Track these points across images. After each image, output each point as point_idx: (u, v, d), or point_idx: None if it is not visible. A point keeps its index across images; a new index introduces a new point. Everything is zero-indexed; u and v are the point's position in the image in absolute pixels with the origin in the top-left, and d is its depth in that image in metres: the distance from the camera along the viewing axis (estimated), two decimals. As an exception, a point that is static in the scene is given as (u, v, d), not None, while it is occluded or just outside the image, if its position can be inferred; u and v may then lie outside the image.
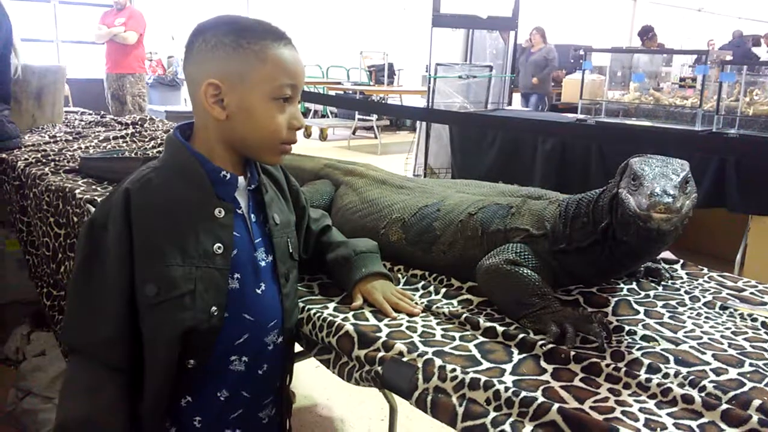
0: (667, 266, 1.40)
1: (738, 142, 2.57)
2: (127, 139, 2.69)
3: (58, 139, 2.67)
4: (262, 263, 1.06)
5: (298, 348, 1.21)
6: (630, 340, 1.06)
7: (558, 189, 1.37)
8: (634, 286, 1.30)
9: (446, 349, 1.02)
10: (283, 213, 1.12)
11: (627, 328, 1.10)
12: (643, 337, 1.07)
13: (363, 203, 1.49)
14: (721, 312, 1.18)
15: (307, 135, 9.64)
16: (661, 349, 1.03)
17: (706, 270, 1.42)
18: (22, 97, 2.84)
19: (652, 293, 1.27)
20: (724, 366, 0.97)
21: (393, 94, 9.33)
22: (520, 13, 6.00)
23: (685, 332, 1.10)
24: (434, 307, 1.17)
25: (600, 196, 1.16)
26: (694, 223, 1.10)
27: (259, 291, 1.05)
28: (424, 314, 1.15)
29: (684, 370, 0.95)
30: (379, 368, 0.97)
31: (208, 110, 0.97)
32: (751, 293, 1.28)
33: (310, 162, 1.76)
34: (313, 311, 1.14)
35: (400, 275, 1.32)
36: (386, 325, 1.10)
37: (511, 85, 6.35)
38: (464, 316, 1.12)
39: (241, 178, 1.04)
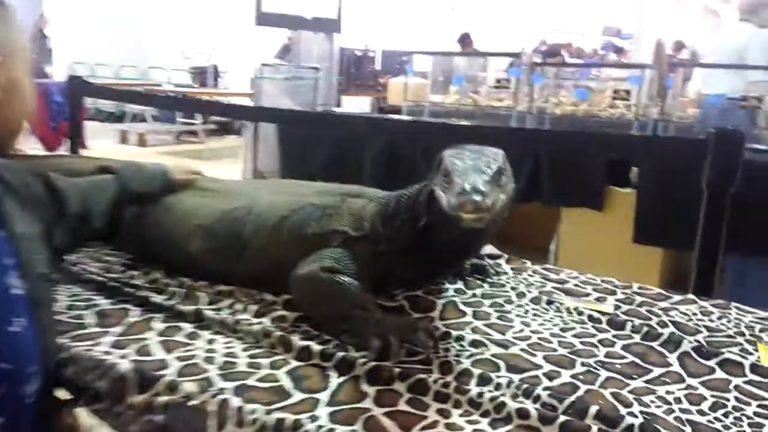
0: (491, 262, 1.34)
1: (552, 135, 2.68)
2: None
3: None
4: (15, 291, 0.81)
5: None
6: (458, 347, 0.96)
7: (389, 189, 1.25)
8: (460, 285, 1.21)
9: (250, 381, 0.84)
10: (28, 223, 0.88)
11: (455, 333, 1.00)
12: (473, 343, 0.97)
13: (159, 210, 1.26)
14: (547, 307, 1.13)
15: (124, 141, 8.89)
16: (491, 355, 0.93)
17: (529, 263, 1.38)
18: None
19: (479, 292, 1.19)
20: (557, 368, 0.90)
21: (218, 96, 8.89)
22: (347, 17, 5.98)
23: (514, 333, 1.02)
24: (242, 328, 0.99)
25: (419, 193, 1.05)
26: (513, 217, 1.03)
27: (12, 328, 0.80)
28: (227, 340, 0.96)
29: (516, 378, 0.86)
30: (159, 417, 0.77)
31: None
32: (575, 285, 1.26)
33: (81, 164, 1.48)
34: (81, 348, 0.90)
35: (202, 293, 1.12)
36: (178, 358, 0.89)
37: (340, 87, 6.30)
38: (276, 335, 0.95)
39: None
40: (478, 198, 0.84)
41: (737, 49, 4.17)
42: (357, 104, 8.57)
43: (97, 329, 0.98)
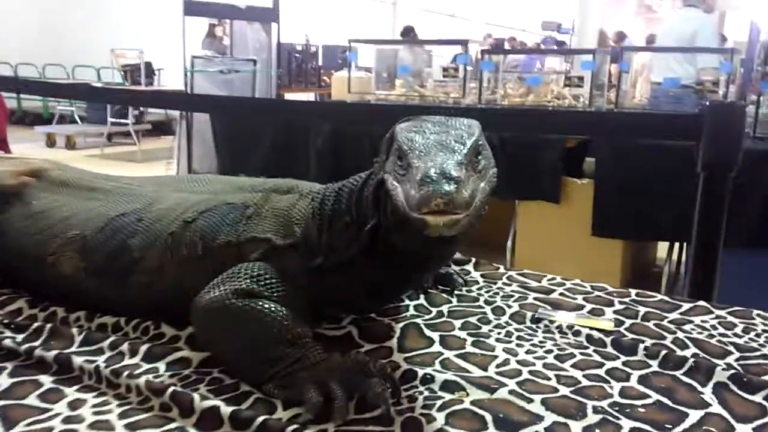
0: (457, 268, 1.09)
1: (516, 114, 2.44)
2: None
3: None
4: None
5: None
6: (427, 394, 0.70)
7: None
8: (422, 301, 0.95)
9: (122, 472, 0.56)
10: None
11: (421, 372, 0.74)
12: (445, 385, 0.72)
13: (28, 217, 0.96)
14: (534, 327, 0.88)
15: (51, 144, 8.32)
16: (472, 403, 0.68)
17: (502, 268, 1.14)
18: None
19: (445, 309, 0.94)
20: (563, 419, 0.65)
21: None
22: (285, 11, 5.67)
23: (498, 367, 0.77)
24: (122, 379, 0.70)
25: (365, 184, 0.79)
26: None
27: None
28: (102, 399, 0.68)
29: (513, 440, 0.61)
30: None
31: None
32: (561, 294, 1.02)
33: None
34: None
35: (75, 329, 0.82)
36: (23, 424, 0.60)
37: (279, 81, 5.98)
38: (170, 391, 0.67)
39: None
40: (448, 188, 0.58)
41: (685, 36, 4.08)
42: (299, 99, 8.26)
43: None
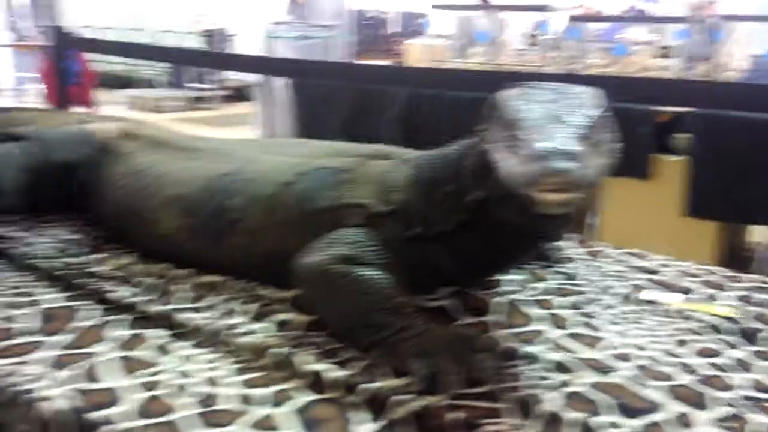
0: (552, 244, 1.05)
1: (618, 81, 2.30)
2: None
3: None
4: None
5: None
6: (533, 374, 0.67)
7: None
8: (517, 276, 0.92)
9: (238, 428, 0.57)
10: None
11: (523, 350, 0.71)
12: (550, 365, 0.69)
13: (129, 175, 0.98)
14: (645, 309, 0.84)
15: (135, 107, 8.63)
16: (583, 386, 0.65)
17: (599, 246, 1.09)
18: None
19: (542, 286, 0.90)
20: (684, 409, 0.62)
21: (230, 61, 8.57)
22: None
23: (606, 349, 0.73)
24: (232, 338, 0.71)
25: (466, 154, 0.75)
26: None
27: None
28: (210, 358, 0.69)
29: (632, 426, 0.58)
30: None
31: None
32: (668, 275, 0.96)
33: (53, 119, 1.20)
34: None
35: (178, 285, 0.84)
36: (135, 387, 0.62)
37: (354, 48, 5.96)
38: (272, 352, 0.67)
39: None
40: (565, 166, 0.54)
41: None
42: (373, 68, 8.22)
43: (33, 339, 0.71)
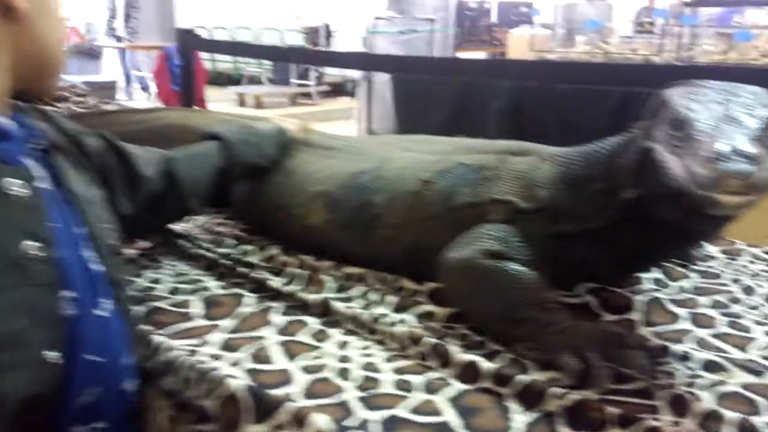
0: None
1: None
2: None
3: None
4: (93, 266, 0.63)
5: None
6: (685, 371, 0.67)
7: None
8: (658, 274, 0.91)
9: (401, 411, 0.61)
10: (85, 185, 0.69)
11: (672, 348, 0.71)
12: (704, 364, 0.68)
13: (274, 173, 1.06)
14: (795, 311, 0.81)
15: (241, 103, 9.02)
16: (739, 386, 0.64)
17: (741, 244, 1.05)
18: None
19: (686, 284, 0.89)
20: None
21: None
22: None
23: (760, 350, 0.72)
24: (379, 326, 0.76)
25: (622, 151, 0.76)
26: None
27: (99, 312, 0.62)
28: (363, 344, 0.74)
29: (797, 431, 0.57)
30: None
31: None
32: (819, 277, 0.92)
33: (200, 118, 1.29)
34: (183, 351, 0.71)
35: (326, 276, 0.90)
36: (303, 368, 0.68)
37: (456, 41, 5.94)
38: (425, 341, 0.71)
39: (15, 127, 0.61)
40: (745, 168, 0.54)
41: None
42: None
43: (205, 322, 0.78)
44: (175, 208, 0.93)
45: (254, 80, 10.12)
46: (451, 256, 0.77)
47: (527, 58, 5.26)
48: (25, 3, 0.58)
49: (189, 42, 2.52)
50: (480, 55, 8.55)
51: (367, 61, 3.09)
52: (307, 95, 9.40)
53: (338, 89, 10.21)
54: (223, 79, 10.22)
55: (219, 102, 8.39)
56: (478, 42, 8.40)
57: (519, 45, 6.70)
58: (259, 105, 8.82)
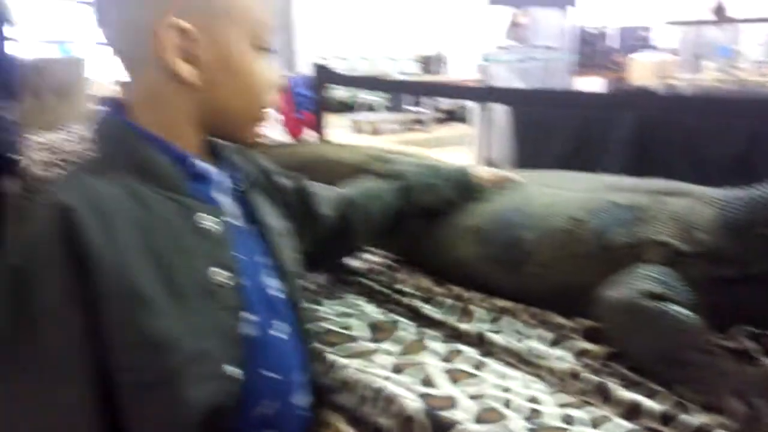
0: None
1: None
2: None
3: (74, 138, 2.41)
4: (271, 291, 0.71)
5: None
6: None
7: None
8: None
9: (569, 444, 0.64)
10: (281, 224, 0.77)
11: None
12: None
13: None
14: None
15: (357, 130, 9.32)
16: None
17: None
18: (41, 91, 2.59)
19: None
20: None
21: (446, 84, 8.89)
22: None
23: None
24: (537, 360, 0.79)
25: None
26: None
27: (276, 333, 0.70)
28: (522, 377, 0.78)
29: None
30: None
31: (171, 69, 0.61)
32: None
33: (349, 153, 1.38)
34: (355, 369, 0.78)
35: (476, 306, 0.94)
36: (469, 396, 0.73)
37: (575, 68, 5.85)
38: (585, 377, 0.74)
39: (220, 173, 0.69)
40: None
41: None
42: (592, 86, 7.97)
43: (370, 345, 0.85)
44: (347, 246, 1.00)
45: (370, 107, 10.44)
46: (611, 296, 0.79)
47: (651, 85, 5.09)
48: (189, 73, 0.62)
49: (324, 76, 2.68)
50: (599, 81, 8.35)
51: (497, 95, 3.12)
52: (421, 122, 9.56)
53: (451, 115, 10.31)
54: (339, 106, 10.61)
55: (335, 128, 8.73)
56: (598, 67, 8.20)
57: (640, 70, 6.48)
58: (374, 132, 9.08)
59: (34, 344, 0.57)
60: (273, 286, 0.71)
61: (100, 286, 0.57)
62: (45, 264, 0.57)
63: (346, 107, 10.44)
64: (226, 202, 0.69)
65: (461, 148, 6.60)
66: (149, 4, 0.60)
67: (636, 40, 9.55)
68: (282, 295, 0.72)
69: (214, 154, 0.70)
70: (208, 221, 0.64)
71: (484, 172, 1.11)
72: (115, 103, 0.66)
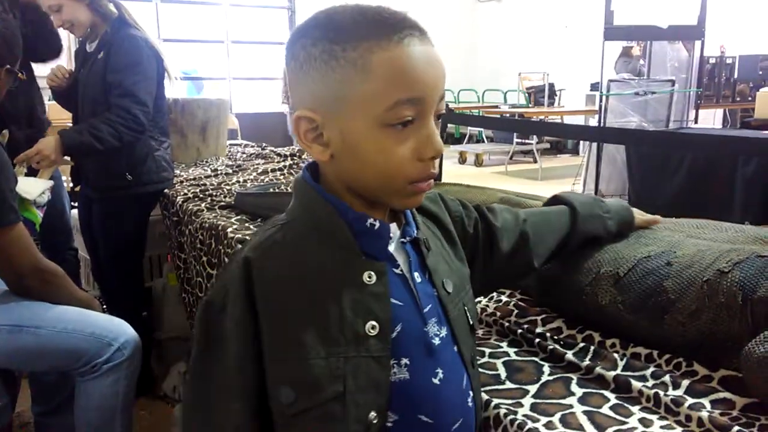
0: None
1: None
2: (285, 171, 2.58)
3: (219, 172, 2.63)
4: (436, 340, 0.75)
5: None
6: None
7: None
8: None
9: (719, 494, 0.66)
10: (454, 271, 0.82)
11: None
12: None
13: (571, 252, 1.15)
14: None
15: (462, 161, 9.39)
16: None
17: None
18: (187, 130, 2.86)
19: None
20: None
21: (554, 115, 8.79)
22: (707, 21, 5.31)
23: None
24: (679, 408, 0.81)
25: None
26: None
27: (436, 380, 0.74)
28: (664, 423, 0.80)
29: None
30: None
31: (308, 150, 0.73)
32: None
33: (480, 194, 1.45)
34: (501, 410, 0.84)
35: (615, 354, 0.97)
36: (612, 439, 0.76)
37: (697, 101, 5.63)
38: (722, 424, 0.75)
39: (393, 227, 0.76)
40: None
41: None
42: (712, 118, 7.61)
43: (513, 385, 0.91)
44: (521, 268, 1.00)
45: (477, 139, 10.48)
46: (758, 351, 0.80)
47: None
48: (320, 153, 0.70)
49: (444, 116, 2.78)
50: (721, 112, 7.95)
51: (596, 134, 3.10)
52: (526, 153, 9.49)
53: (557, 147, 10.15)
54: (448, 138, 10.73)
55: (442, 160, 8.83)
56: (716, 98, 7.83)
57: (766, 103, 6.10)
58: (479, 162, 9.11)
59: (218, 357, 0.71)
60: (439, 333, 0.75)
61: (259, 324, 0.69)
62: (230, 299, 0.71)
63: (452, 139, 10.56)
64: (401, 256, 0.75)
65: (570, 180, 6.49)
66: (294, 96, 0.73)
67: (763, 70, 9.02)
68: (446, 342, 0.76)
69: (392, 210, 0.77)
70: (373, 278, 0.71)
71: (636, 212, 1.14)
72: (313, 166, 0.76)
